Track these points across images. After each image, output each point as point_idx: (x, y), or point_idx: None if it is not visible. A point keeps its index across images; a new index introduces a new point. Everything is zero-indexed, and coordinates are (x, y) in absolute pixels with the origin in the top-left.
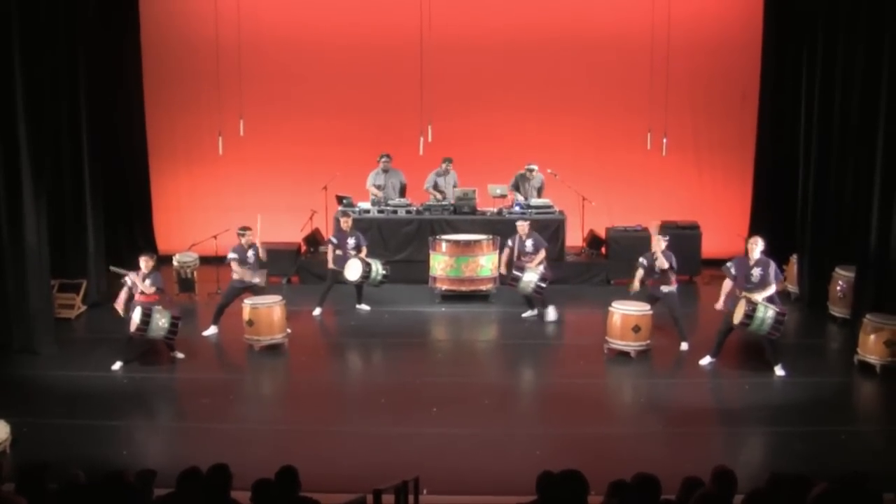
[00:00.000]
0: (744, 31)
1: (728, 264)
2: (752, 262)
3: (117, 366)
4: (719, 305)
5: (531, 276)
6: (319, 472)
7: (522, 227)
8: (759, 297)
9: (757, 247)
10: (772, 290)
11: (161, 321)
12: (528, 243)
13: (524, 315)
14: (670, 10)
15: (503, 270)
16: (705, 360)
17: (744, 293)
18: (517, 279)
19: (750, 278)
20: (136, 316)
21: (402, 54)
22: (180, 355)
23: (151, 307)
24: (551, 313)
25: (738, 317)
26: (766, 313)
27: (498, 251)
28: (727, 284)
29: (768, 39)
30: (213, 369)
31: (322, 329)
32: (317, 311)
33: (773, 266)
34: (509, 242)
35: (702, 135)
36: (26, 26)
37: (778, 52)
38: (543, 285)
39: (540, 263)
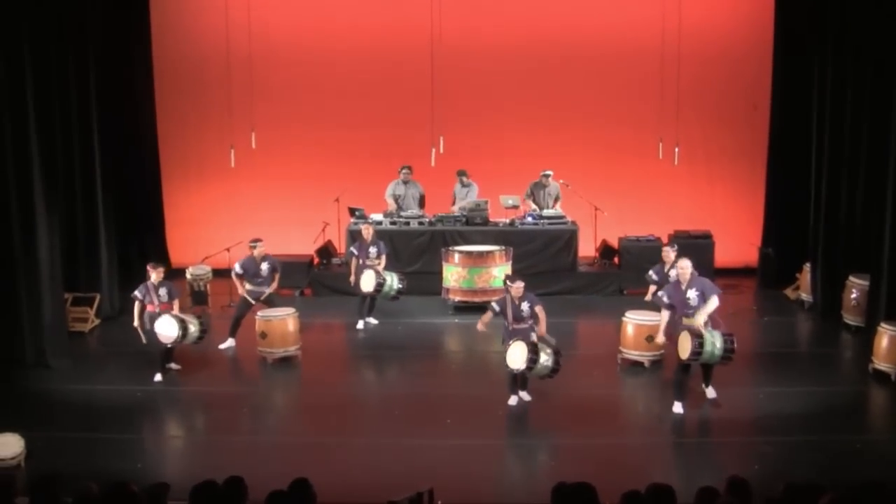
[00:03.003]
0: (754, 40)
1: (660, 293)
2: (685, 286)
3: (158, 377)
4: (660, 339)
5: (547, 359)
6: (334, 484)
7: (518, 288)
8: (700, 319)
9: (686, 269)
10: (714, 303)
11: (192, 328)
12: (524, 306)
13: (511, 403)
14: (681, 20)
15: (481, 326)
16: (677, 408)
17: (684, 320)
18: (533, 364)
19: (688, 303)
20: (172, 328)
21: (413, 67)
22: (176, 367)
23: (182, 316)
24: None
25: (685, 352)
26: (715, 343)
27: (504, 267)
28: (665, 315)
29: (778, 49)
30: (227, 382)
31: (335, 341)
32: (360, 325)
33: (708, 282)
34: (495, 307)
35: (713, 144)
36: (37, 41)
37: (788, 61)
38: (560, 362)
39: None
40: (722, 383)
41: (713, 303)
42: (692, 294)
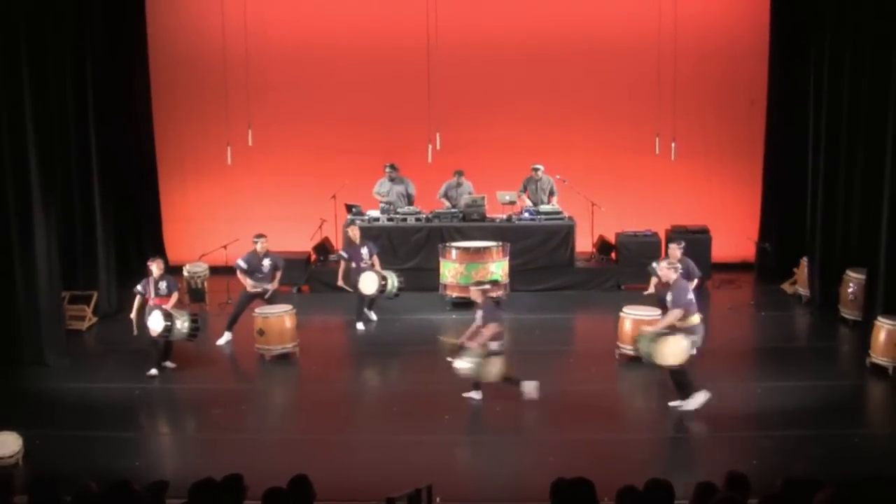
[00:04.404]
0: (751, 35)
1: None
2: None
3: (153, 372)
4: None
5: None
6: (332, 481)
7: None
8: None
9: (669, 272)
10: (674, 316)
11: (181, 323)
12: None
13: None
14: (677, 15)
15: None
16: (701, 398)
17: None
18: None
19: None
20: (158, 321)
21: (410, 63)
22: (172, 365)
23: (170, 311)
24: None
25: (676, 357)
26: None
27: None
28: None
29: (776, 44)
30: (225, 379)
31: (332, 338)
32: (360, 326)
33: (682, 290)
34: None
35: (711, 139)
36: (34, 40)
37: (786, 56)
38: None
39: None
40: (720, 378)
41: (673, 315)
42: (670, 296)
